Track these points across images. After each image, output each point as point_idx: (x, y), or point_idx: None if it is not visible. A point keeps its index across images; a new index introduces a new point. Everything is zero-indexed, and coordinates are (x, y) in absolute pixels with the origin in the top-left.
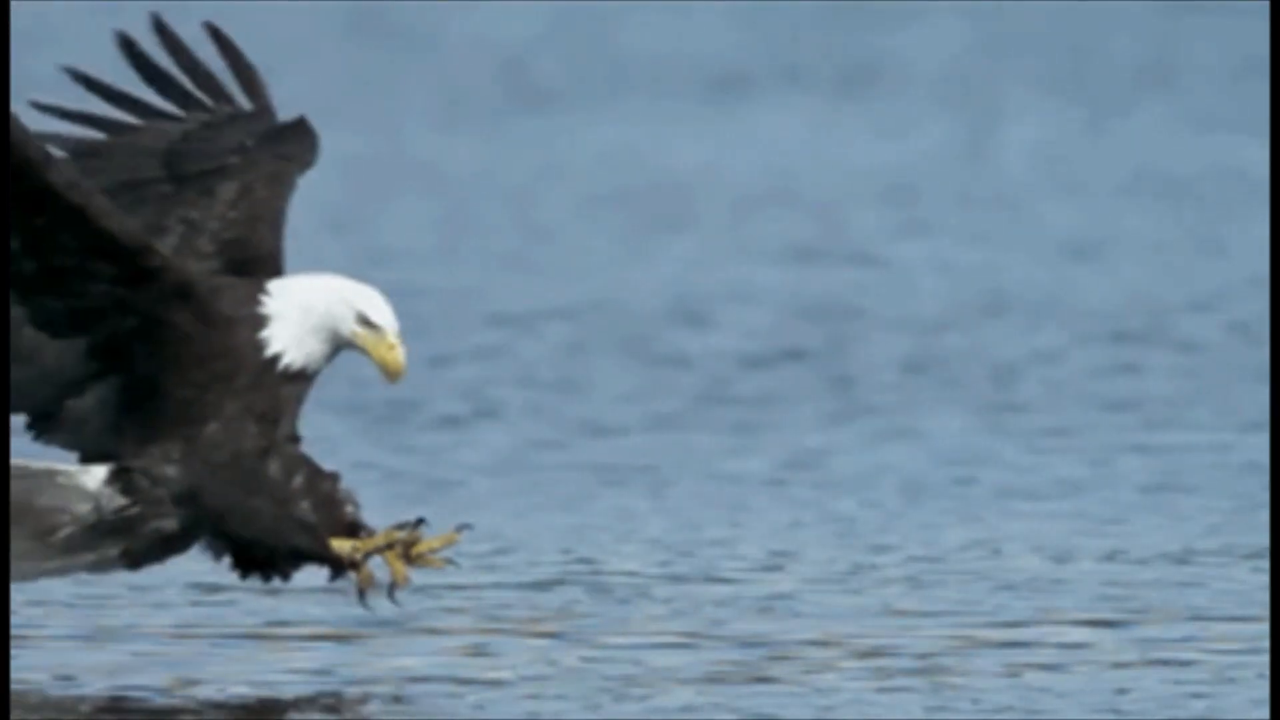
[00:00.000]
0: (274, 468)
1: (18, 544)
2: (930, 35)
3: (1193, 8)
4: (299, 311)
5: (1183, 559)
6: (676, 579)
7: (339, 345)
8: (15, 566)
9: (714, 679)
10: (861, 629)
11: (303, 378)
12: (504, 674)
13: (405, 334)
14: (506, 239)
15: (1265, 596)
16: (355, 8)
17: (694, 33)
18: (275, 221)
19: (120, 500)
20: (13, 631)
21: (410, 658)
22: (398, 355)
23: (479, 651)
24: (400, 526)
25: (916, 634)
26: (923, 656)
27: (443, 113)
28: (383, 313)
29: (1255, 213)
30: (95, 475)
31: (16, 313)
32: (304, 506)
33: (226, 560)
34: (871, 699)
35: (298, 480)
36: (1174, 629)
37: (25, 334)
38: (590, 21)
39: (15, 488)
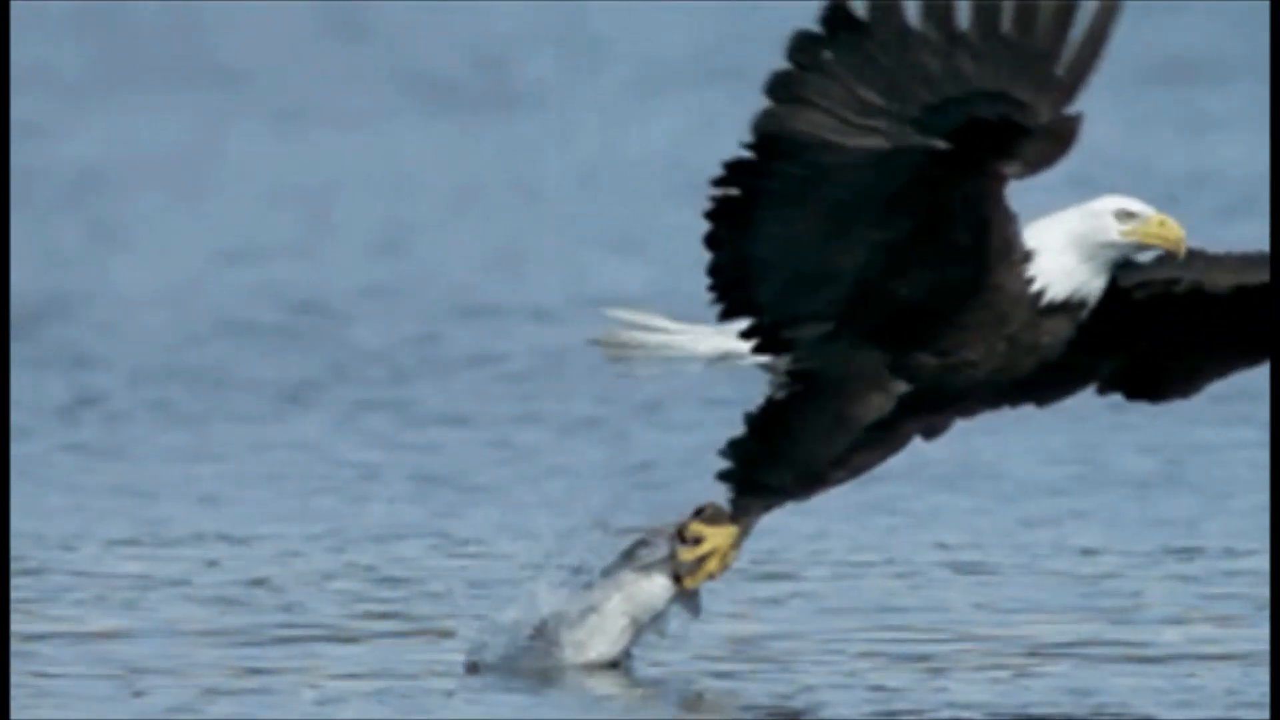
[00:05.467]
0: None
1: None
2: None
3: (1181, 7)
4: (1064, 240)
5: (1180, 556)
6: None
7: (1109, 263)
8: None
9: (705, 676)
10: (857, 626)
11: (1066, 309)
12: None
13: (396, 333)
14: (496, 236)
15: (1265, 594)
16: (335, 7)
17: (682, 29)
18: None
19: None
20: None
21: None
22: (1173, 225)
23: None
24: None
25: (910, 632)
26: (917, 657)
27: (427, 110)
28: (1134, 201)
29: (1252, 212)
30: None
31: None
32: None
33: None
34: (865, 697)
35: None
36: (1172, 627)
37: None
38: (573, 16)
39: None
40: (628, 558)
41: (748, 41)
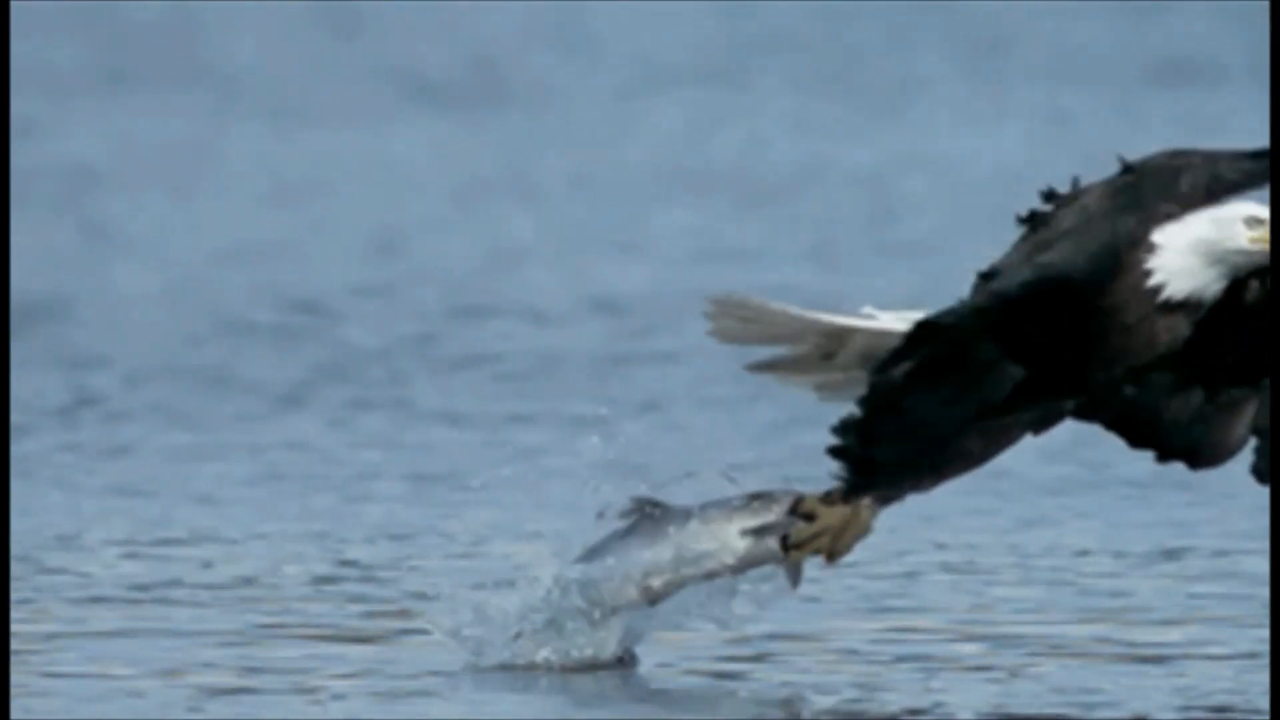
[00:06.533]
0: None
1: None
2: (917, 33)
3: (1181, 7)
4: (1190, 241)
5: (1177, 557)
6: None
7: (1233, 269)
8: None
9: (703, 675)
10: (854, 626)
11: (1185, 308)
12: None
13: (393, 333)
14: (494, 236)
15: (1262, 594)
16: (332, 6)
17: (682, 29)
18: None
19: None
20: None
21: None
22: None
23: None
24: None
25: (907, 632)
26: (914, 657)
27: (425, 109)
28: (1264, 208)
29: None
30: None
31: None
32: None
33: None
34: (861, 696)
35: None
36: (1169, 628)
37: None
38: (571, 16)
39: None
40: (714, 516)
41: (747, 41)
